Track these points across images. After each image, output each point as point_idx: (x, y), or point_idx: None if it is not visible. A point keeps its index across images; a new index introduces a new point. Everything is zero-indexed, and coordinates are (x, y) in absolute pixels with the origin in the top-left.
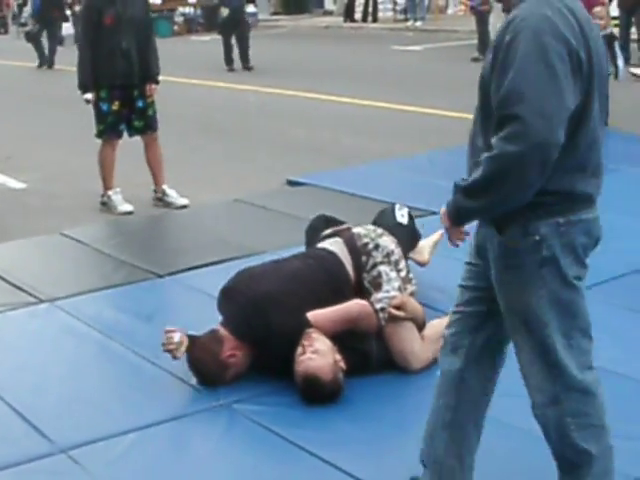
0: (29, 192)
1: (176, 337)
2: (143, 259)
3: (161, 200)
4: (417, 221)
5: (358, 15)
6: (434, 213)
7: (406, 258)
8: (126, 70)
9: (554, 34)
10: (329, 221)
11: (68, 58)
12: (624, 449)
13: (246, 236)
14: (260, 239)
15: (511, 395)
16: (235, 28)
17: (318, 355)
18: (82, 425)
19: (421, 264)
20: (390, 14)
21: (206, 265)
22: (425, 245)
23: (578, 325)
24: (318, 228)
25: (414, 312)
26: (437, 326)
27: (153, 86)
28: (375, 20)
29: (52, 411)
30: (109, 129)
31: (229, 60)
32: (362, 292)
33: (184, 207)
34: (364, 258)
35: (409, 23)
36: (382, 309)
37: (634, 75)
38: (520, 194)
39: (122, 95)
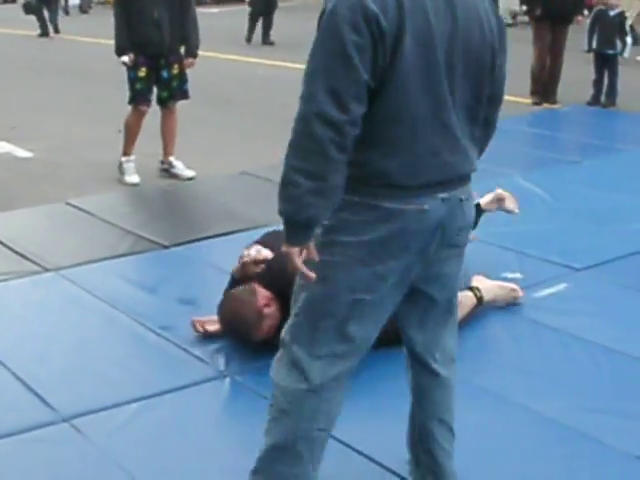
0: (35, 161)
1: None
2: (149, 229)
3: (167, 171)
4: None
5: None
6: None
7: None
8: (156, 39)
9: (351, 6)
10: None
11: (75, 27)
12: (624, 427)
13: (252, 208)
14: (266, 211)
15: None
16: (267, 5)
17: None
18: (85, 394)
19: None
20: None
21: (212, 237)
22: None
23: None
24: None
25: None
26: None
27: (190, 60)
28: None
29: (55, 380)
30: (138, 95)
31: (251, 34)
32: None
33: (190, 179)
34: None
35: None
36: None
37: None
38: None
39: (148, 63)
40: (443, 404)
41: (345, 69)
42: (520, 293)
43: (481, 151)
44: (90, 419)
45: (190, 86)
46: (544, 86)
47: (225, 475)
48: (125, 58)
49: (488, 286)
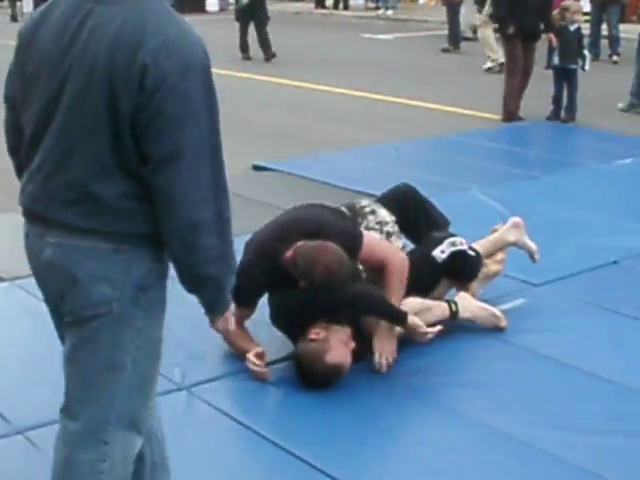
0: None
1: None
2: None
3: None
4: None
5: (329, 2)
6: None
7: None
8: None
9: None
10: None
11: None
12: (581, 443)
13: None
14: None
15: None
16: (252, 16)
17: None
18: (40, 406)
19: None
20: (361, 2)
21: None
22: (475, 283)
23: None
24: None
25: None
26: (429, 301)
27: None
28: (346, 8)
29: (9, 392)
30: None
31: (245, 47)
32: None
33: None
34: (359, 219)
35: (380, 12)
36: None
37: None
38: None
39: None
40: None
41: None
42: (503, 322)
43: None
44: (44, 431)
45: None
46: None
47: None
48: None
49: (468, 304)
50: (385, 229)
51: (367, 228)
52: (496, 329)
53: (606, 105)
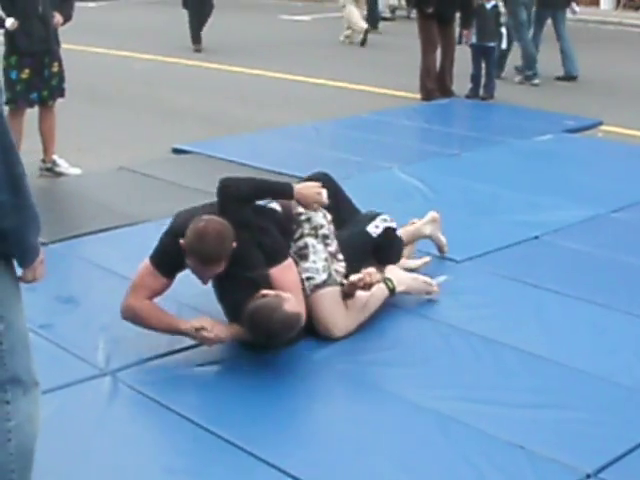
0: None
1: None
2: None
3: (50, 170)
4: None
5: None
6: None
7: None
8: (43, 35)
9: None
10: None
11: None
12: (506, 417)
13: (130, 204)
14: (145, 207)
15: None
16: (202, 4)
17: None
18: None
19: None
20: None
21: (90, 233)
22: (400, 268)
23: None
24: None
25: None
26: (362, 296)
27: (59, 19)
28: None
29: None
30: (19, 97)
31: (197, 38)
32: None
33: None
34: (294, 226)
35: None
36: (308, 278)
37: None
38: None
39: (32, 63)
40: None
41: None
42: (435, 288)
43: None
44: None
45: (68, 82)
46: (440, 82)
47: (103, 474)
48: (9, 21)
49: (401, 277)
50: (320, 232)
51: (302, 235)
52: (429, 296)
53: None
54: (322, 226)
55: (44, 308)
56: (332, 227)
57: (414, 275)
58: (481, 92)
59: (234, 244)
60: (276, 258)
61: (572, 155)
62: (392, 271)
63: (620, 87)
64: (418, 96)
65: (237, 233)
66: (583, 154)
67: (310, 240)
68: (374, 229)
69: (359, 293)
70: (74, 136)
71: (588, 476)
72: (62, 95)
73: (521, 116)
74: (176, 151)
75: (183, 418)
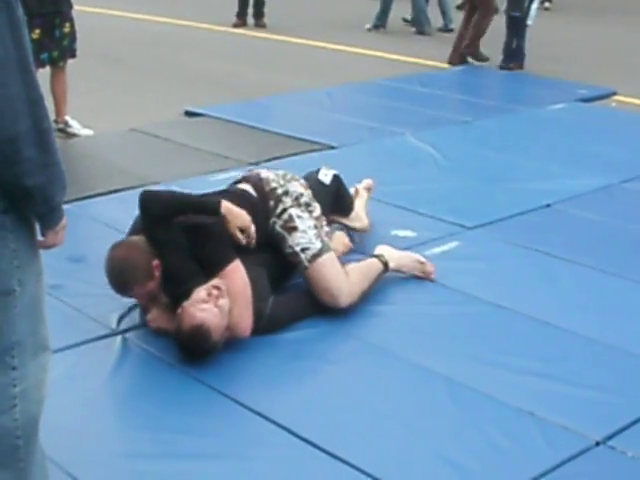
0: None
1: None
2: None
3: (62, 131)
4: (316, 155)
5: None
6: (332, 147)
7: (334, 222)
8: None
9: None
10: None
11: None
12: (515, 383)
13: (142, 166)
14: (156, 169)
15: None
16: None
17: (220, 312)
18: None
19: (363, 231)
20: None
21: (101, 194)
22: (359, 210)
23: None
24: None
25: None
26: (361, 264)
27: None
28: None
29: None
30: None
31: (243, 11)
32: (272, 237)
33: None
34: (272, 203)
35: None
36: (303, 249)
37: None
38: None
39: (43, 23)
40: None
41: None
42: (430, 267)
43: None
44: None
45: (80, 44)
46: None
47: (117, 433)
48: None
49: (393, 255)
50: (302, 200)
51: (285, 209)
52: (424, 275)
53: (540, 53)
54: (302, 195)
55: (55, 268)
56: (310, 193)
57: (406, 253)
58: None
59: (154, 262)
60: (213, 269)
61: (585, 124)
62: (383, 248)
63: (634, 57)
64: (433, 63)
65: (161, 251)
66: (596, 123)
67: (294, 211)
68: (324, 177)
69: (354, 264)
70: (87, 97)
71: (597, 443)
72: (73, 55)
73: (534, 85)
74: (188, 114)
75: (192, 378)
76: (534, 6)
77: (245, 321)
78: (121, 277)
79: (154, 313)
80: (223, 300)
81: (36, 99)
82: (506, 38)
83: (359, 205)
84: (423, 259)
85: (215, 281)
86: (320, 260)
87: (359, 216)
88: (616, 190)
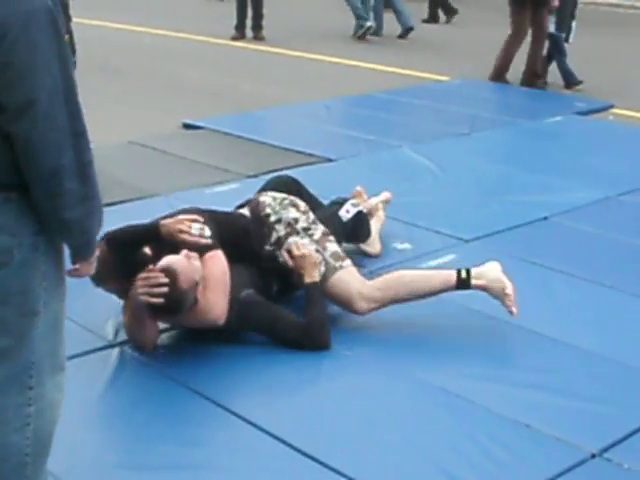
0: None
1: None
2: None
3: None
4: (313, 168)
5: None
6: (330, 160)
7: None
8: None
9: None
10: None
11: None
12: (512, 396)
13: (140, 178)
14: (154, 182)
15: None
16: None
17: (189, 264)
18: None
19: (372, 255)
20: None
21: None
22: (374, 235)
23: None
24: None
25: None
26: (416, 274)
27: None
28: None
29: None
30: None
31: (242, 24)
32: (269, 262)
33: None
34: (265, 229)
35: None
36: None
37: None
38: None
39: None
40: None
41: None
42: (511, 296)
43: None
44: None
45: (78, 56)
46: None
47: (111, 444)
48: None
49: (489, 274)
50: (299, 227)
51: (279, 238)
52: (505, 303)
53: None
54: (296, 220)
55: None
56: (311, 214)
57: (375, 232)
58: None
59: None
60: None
61: (582, 137)
62: (493, 266)
63: (632, 70)
64: (429, 75)
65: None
66: (593, 136)
67: (293, 239)
68: (345, 214)
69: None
70: (85, 109)
71: (593, 456)
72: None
73: (532, 97)
74: (186, 126)
75: (189, 390)
76: (574, 24)
77: (219, 308)
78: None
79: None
80: (196, 262)
81: (80, 132)
82: (555, 60)
83: (375, 229)
84: (510, 291)
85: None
86: (327, 285)
87: (373, 242)
88: (613, 203)
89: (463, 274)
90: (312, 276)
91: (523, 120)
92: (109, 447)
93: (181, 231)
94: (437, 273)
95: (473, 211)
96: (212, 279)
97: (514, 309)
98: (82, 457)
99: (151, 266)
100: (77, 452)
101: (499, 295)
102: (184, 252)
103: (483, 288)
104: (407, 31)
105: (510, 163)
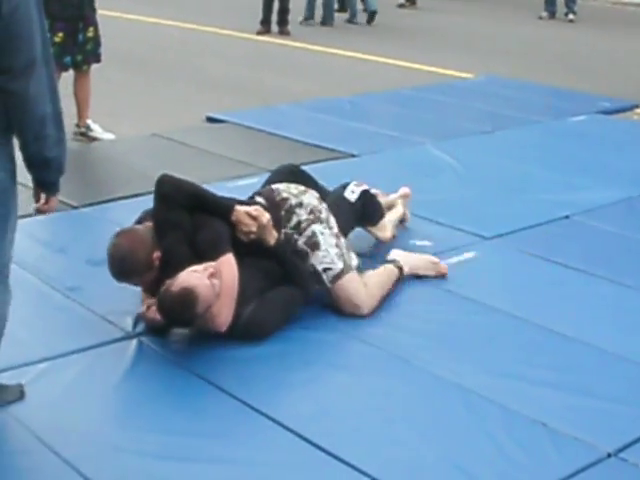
0: None
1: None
2: None
3: (84, 135)
4: (336, 163)
5: None
6: (353, 155)
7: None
8: (74, 2)
9: None
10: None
11: None
12: (530, 394)
13: (162, 170)
14: (176, 173)
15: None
16: None
17: (211, 286)
18: None
19: (382, 241)
20: None
21: (121, 198)
22: (387, 221)
23: None
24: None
25: None
26: (377, 273)
27: None
28: None
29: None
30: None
31: (267, 19)
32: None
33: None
34: (283, 213)
35: None
36: (325, 270)
37: None
38: None
39: (65, 27)
40: None
41: None
42: (443, 267)
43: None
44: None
45: (104, 48)
46: None
47: (129, 435)
48: None
49: (407, 259)
50: (321, 216)
51: (300, 222)
52: (439, 276)
53: (564, 63)
54: (317, 208)
55: (74, 271)
56: (325, 206)
57: (419, 255)
58: None
59: (155, 254)
60: (207, 255)
61: (606, 137)
62: (397, 253)
63: None
64: (453, 72)
65: (162, 234)
66: (617, 136)
67: (317, 227)
68: (350, 194)
69: (371, 272)
70: (108, 101)
71: (609, 455)
72: (98, 60)
73: (556, 96)
74: (210, 120)
75: (206, 382)
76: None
77: (223, 316)
78: (121, 266)
79: (150, 303)
80: (216, 280)
81: (55, 88)
82: None
83: (390, 217)
84: (436, 259)
85: (210, 264)
86: (341, 282)
87: (385, 227)
88: (636, 203)
89: (398, 264)
90: (273, 236)
91: (547, 119)
92: (126, 437)
93: (245, 231)
94: (388, 269)
95: (494, 209)
96: (222, 286)
97: (445, 270)
98: (99, 446)
99: (168, 281)
100: (94, 441)
101: (429, 268)
102: (210, 271)
103: (413, 273)
104: (371, 15)
105: (532, 161)
